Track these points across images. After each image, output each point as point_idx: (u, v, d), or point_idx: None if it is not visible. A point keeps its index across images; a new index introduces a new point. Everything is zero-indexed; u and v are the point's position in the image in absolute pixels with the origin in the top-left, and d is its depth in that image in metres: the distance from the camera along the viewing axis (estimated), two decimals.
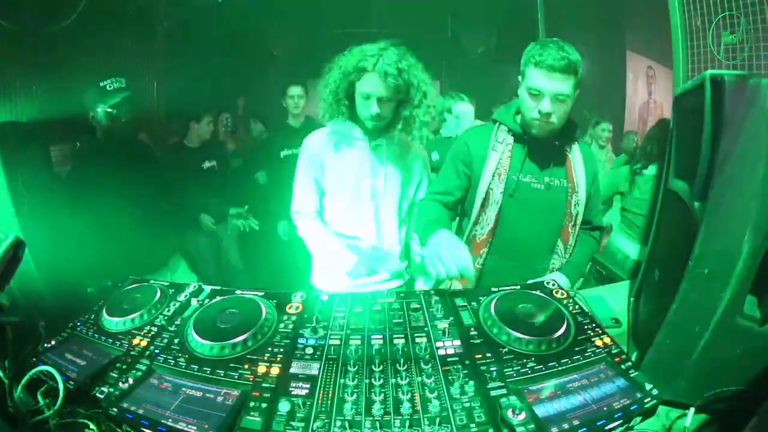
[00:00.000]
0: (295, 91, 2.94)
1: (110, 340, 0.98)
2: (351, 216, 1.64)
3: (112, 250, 1.91)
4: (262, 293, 1.10)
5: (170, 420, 0.75)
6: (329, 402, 0.78)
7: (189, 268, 2.29)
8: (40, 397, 0.81)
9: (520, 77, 1.39)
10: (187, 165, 2.94)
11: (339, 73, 1.49)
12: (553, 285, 1.14)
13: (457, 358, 0.89)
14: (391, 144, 1.61)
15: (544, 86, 1.28)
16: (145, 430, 0.74)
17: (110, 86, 1.84)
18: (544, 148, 1.44)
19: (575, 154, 1.47)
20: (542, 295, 1.08)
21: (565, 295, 1.09)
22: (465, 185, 1.52)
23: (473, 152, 1.50)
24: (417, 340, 0.94)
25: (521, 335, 0.92)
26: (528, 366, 0.86)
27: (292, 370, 0.86)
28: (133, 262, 1.99)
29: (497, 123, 1.49)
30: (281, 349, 0.92)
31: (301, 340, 0.95)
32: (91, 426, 0.80)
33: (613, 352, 0.90)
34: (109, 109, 1.82)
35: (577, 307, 1.05)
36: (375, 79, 1.43)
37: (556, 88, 1.28)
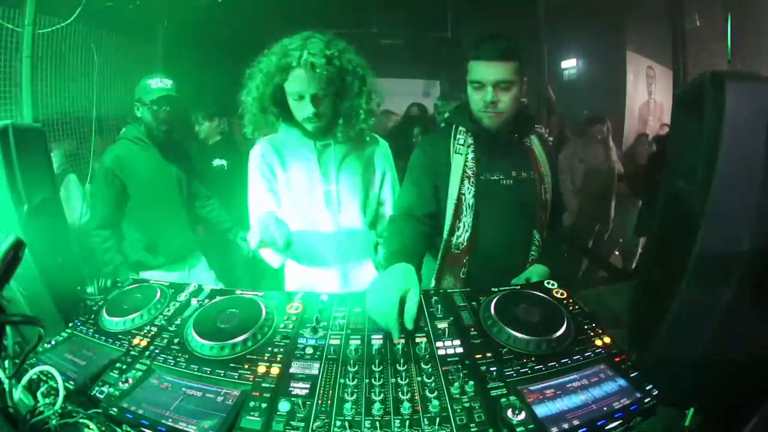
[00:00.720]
0: None
1: (110, 340, 0.99)
2: (309, 230, 1.47)
3: (139, 241, 2.05)
4: (262, 293, 1.10)
5: (170, 420, 0.75)
6: (329, 402, 0.78)
7: (208, 265, 2.32)
8: (40, 397, 0.81)
9: (466, 76, 1.37)
10: (198, 160, 2.96)
11: (261, 77, 1.31)
12: (553, 285, 1.14)
13: (457, 358, 0.89)
14: (340, 142, 1.43)
15: (484, 76, 1.30)
16: (145, 430, 0.75)
17: (155, 84, 1.96)
18: (506, 143, 1.43)
19: (536, 144, 1.47)
20: (542, 295, 1.08)
21: (565, 295, 1.09)
22: (433, 194, 1.42)
23: (435, 159, 1.43)
24: (417, 340, 0.94)
25: (521, 335, 0.92)
26: (528, 366, 0.86)
27: (292, 370, 0.86)
28: (157, 254, 2.09)
29: (453, 126, 1.44)
30: (281, 349, 0.92)
31: (301, 340, 0.95)
32: (91, 426, 0.79)
33: (613, 352, 0.90)
34: (149, 104, 1.95)
35: (576, 307, 1.05)
36: (302, 74, 1.25)
37: (496, 75, 1.28)
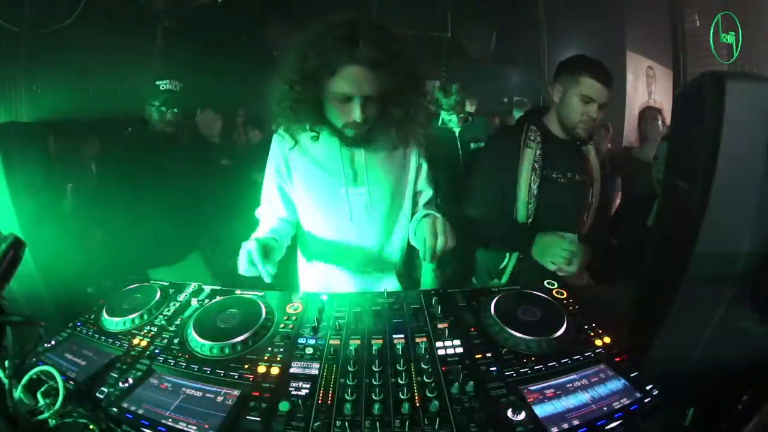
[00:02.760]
0: None
1: (110, 340, 0.99)
2: (330, 239, 1.30)
3: (137, 241, 2.03)
4: (262, 293, 1.10)
5: (170, 420, 0.75)
6: (329, 402, 0.78)
7: (205, 266, 2.31)
8: (40, 397, 0.81)
9: (560, 86, 1.57)
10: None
11: (301, 69, 1.04)
12: (553, 284, 1.14)
13: (457, 358, 0.89)
14: (373, 145, 1.24)
15: (597, 95, 1.49)
16: (145, 430, 0.74)
17: (164, 86, 2.03)
18: (566, 147, 1.63)
19: (591, 153, 1.67)
20: (542, 294, 1.08)
21: (565, 295, 1.09)
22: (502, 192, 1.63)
23: (506, 154, 1.62)
24: (417, 340, 0.94)
25: (521, 335, 0.92)
26: (528, 366, 0.86)
27: (292, 370, 0.86)
28: (153, 254, 2.07)
29: (526, 124, 1.64)
30: (281, 349, 0.92)
31: (301, 340, 0.95)
32: (91, 426, 0.79)
33: (613, 352, 0.90)
34: (157, 105, 2.01)
35: (576, 307, 1.05)
36: (358, 72, 1.00)
37: (605, 96, 1.50)
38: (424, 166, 1.38)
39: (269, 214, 1.34)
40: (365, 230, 1.30)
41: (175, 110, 2.04)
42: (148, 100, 2.04)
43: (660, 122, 3.19)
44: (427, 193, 1.40)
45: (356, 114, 1.06)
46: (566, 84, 1.55)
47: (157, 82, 2.04)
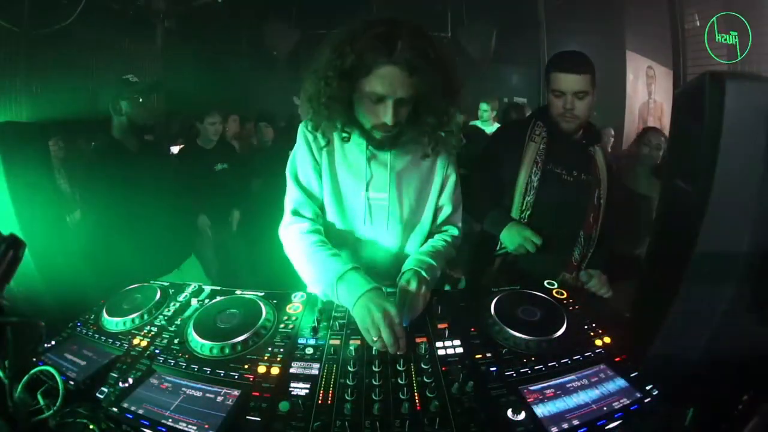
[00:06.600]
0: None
1: (110, 340, 0.99)
2: (345, 242, 1.23)
3: (124, 251, 1.91)
4: (262, 293, 1.10)
5: (170, 420, 0.75)
6: (329, 402, 0.78)
7: (203, 273, 2.29)
8: (40, 397, 0.81)
9: (545, 88, 1.62)
10: (199, 166, 2.94)
11: (338, 66, 1.01)
12: (553, 284, 1.14)
13: (457, 358, 0.89)
14: (400, 148, 1.19)
15: (565, 86, 1.52)
16: (145, 430, 0.74)
17: (132, 78, 2.00)
18: (573, 145, 1.63)
19: (599, 154, 1.65)
20: (542, 294, 1.08)
21: (565, 295, 1.09)
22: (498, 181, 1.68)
23: (508, 146, 1.66)
24: (417, 340, 0.94)
25: (521, 335, 0.92)
26: (528, 366, 0.86)
27: (292, 370, 0.86)
28: (145, 263, 1.97)
29: (533, 120, 1.67)
30: (281, 349, 0.92)
31: (301, 340, 0.95)
32: (91, 426, 0.79)
33: (613, 352, 0.90)
34: (135, 96, 1.95)
35: (577, 307, 1.05)
36: (394, 73, 0.98)
37: (575, 85, 1.50)
38: (451, 179, 1.27)
39: (310, 216, 1.19)
40: (381, 237, 1.24)
41: (157, 95, 2.05)
42: (120, 96, 1.95)
43: (662, 151, 2.57)
44: (446, 210, 1.28)
45: (388, 116, 1.03)
46: (546, 85, 1.62)
47: (125, 77, 2.00)
